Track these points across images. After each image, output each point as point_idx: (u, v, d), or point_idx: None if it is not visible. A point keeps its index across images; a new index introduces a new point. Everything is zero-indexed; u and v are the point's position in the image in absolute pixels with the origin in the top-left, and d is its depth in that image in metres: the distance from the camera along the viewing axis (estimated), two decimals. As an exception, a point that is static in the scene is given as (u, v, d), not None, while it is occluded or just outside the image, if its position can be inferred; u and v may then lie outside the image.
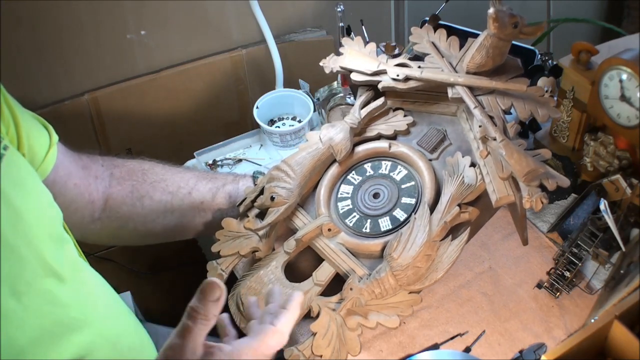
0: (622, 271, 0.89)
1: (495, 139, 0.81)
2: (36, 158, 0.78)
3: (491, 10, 0.83)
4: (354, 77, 0.94)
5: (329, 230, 0.85)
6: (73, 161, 0.88)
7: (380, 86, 0.92)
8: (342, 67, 0.95)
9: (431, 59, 0.92)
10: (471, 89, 0.87)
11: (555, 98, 0.99)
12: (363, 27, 1.16)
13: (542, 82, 1.04)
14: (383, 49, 1.01)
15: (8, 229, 0.63)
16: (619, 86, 0.88)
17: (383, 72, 0.93)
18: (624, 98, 0.88)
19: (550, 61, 1.13)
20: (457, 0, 1.24)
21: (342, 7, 1.15)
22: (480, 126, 0.83)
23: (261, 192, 0.89)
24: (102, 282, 0.83)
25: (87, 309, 0.74)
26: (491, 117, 0.83)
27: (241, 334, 0.83)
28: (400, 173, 0.89)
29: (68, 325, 0.70)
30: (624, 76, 0.87)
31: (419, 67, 0.91)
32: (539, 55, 1.13)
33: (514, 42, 1.13)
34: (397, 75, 0.91)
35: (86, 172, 0.90)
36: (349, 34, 1.15)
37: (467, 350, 0.86)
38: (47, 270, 0.68)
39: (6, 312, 0.63)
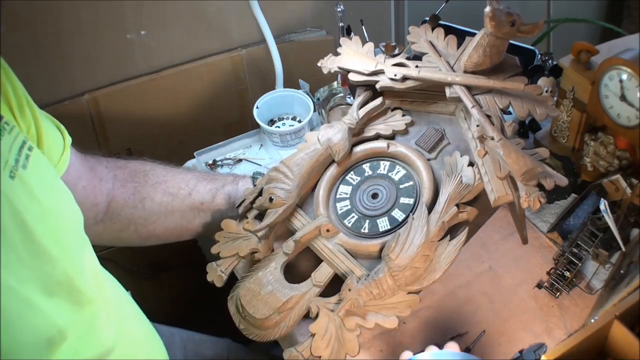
0: (622, 271, 0.89)
1: (492, 138, 0.81)
2: (52, 159, 0.78)
3: (488, 9, 0.83)
4: (352, 77, 0.94)
5: (328, 231, 0.85)
6: (81, 163, 0.88)
7: (378, 86, 0.92)
8: (339, 68, 0.94)
9: (429, 58, 0.92)
10: (469, 88, 0.87)
11: (555, 98, 0.99)
12: (363, 27, 1.16)
13: (542, 82, 1.03)
14: (383, 49, 1.01)
15: (40, 229, 0.63)
16: (619, 86, 0.88)
17: (381, 72, 0.92)
18: (624, 98, 0.88)
19: (550, 61, 1.12)
20: (457, 0, 1.24)
21: (342, 7, 1.15)
22: (477, 125, 0.82)
23: (260, 194, 0.89)
24: (117, 285, 0.84)
25: (108, 308, 0.75)
26: (489, 116, 0.83)
27: (240, 335, 0.84)
28: (398, 173, 0.88)
29: (92, 324, 0.71)
30: (624, 76, 0.87)
31: (417, 66, 0.91)
32: (539, 55, 1.13)
33: (514, 42, 1.13)
34: (395, 75, 0.90)
35: (92, 174, 0.90)
36: (349, 34, 1.15)
37: (467, 350, 0.85)
38: (75, 270, 0.68)
39: (37, 306, 0.63)
